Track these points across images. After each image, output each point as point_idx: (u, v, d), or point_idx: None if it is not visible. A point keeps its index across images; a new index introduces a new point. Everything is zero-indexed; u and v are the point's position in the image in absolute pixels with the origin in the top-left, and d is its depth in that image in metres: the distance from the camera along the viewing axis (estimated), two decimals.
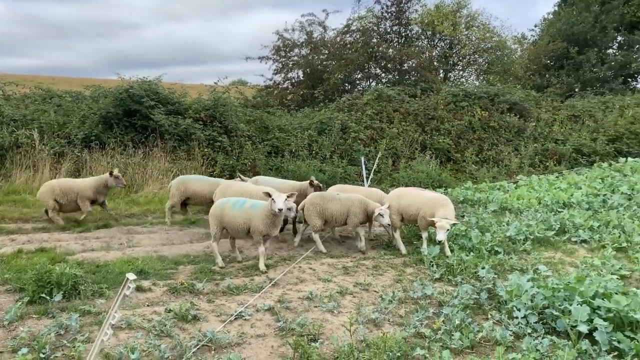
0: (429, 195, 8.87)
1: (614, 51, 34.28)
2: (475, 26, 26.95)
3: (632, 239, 8.84)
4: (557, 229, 9.71)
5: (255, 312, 5.72)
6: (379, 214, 8.28)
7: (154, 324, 5.19)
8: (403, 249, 8.59)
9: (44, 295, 5.62)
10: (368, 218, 8.70)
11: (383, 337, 4.74)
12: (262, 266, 7.35)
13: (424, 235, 8.56)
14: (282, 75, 24.01)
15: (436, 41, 26.99)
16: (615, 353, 4.62)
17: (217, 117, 14.77)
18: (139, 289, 6.31)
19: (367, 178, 13.32)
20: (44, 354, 4.46)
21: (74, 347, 4.59)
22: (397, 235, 8.76)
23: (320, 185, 9.47)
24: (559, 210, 11.24)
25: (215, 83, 16.72)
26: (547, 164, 17.88)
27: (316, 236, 8.73)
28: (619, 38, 34.55)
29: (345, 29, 23.91)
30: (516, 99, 20.57)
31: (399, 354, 4.61)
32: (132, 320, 5.25)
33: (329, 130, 16.33)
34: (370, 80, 24.90)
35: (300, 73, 23.89)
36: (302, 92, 23.14)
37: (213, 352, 4.75)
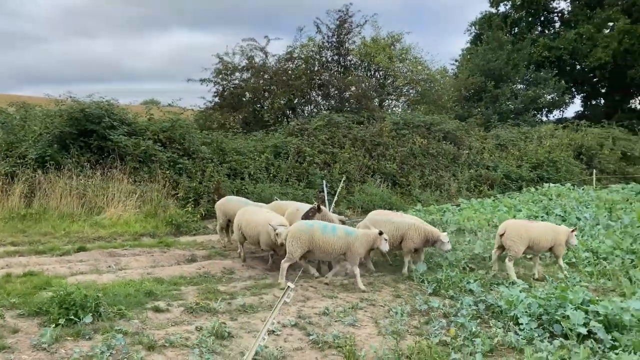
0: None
1: (525, 87, 37.86)
2: (408, 59, 28.70)
3: (578, 255, 10.02)
4: None
5: (283, 328, 5.97)
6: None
7: (195, 342, 5.30)
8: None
9: (70, 317, 5.52)
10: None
11: (421, 345, 5.20)
12: (361, 286, 7.74)
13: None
14: (222, 99, 24.11)
15: (372, 71, 28.36)
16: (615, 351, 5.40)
17: (177, 139, 14.66)
18: (156, 309, 6.33)
19: (330, 202, 13.77)
20: None
21: None
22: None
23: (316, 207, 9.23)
24: None
25: (169, 105, 16.55)
26: (481, 188, 19.40)
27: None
28: (528, 75, 38.34)
29: (288, 55, 24.57)
30: (449, 128, 22.17)
31: None
32: (172, 339, 5.32)
33: (285, 154, 16.69)
34: (312, 107, 25.63)
35: (244, 95, 24.08)
36: (242, 116, 23.41)
37: None
